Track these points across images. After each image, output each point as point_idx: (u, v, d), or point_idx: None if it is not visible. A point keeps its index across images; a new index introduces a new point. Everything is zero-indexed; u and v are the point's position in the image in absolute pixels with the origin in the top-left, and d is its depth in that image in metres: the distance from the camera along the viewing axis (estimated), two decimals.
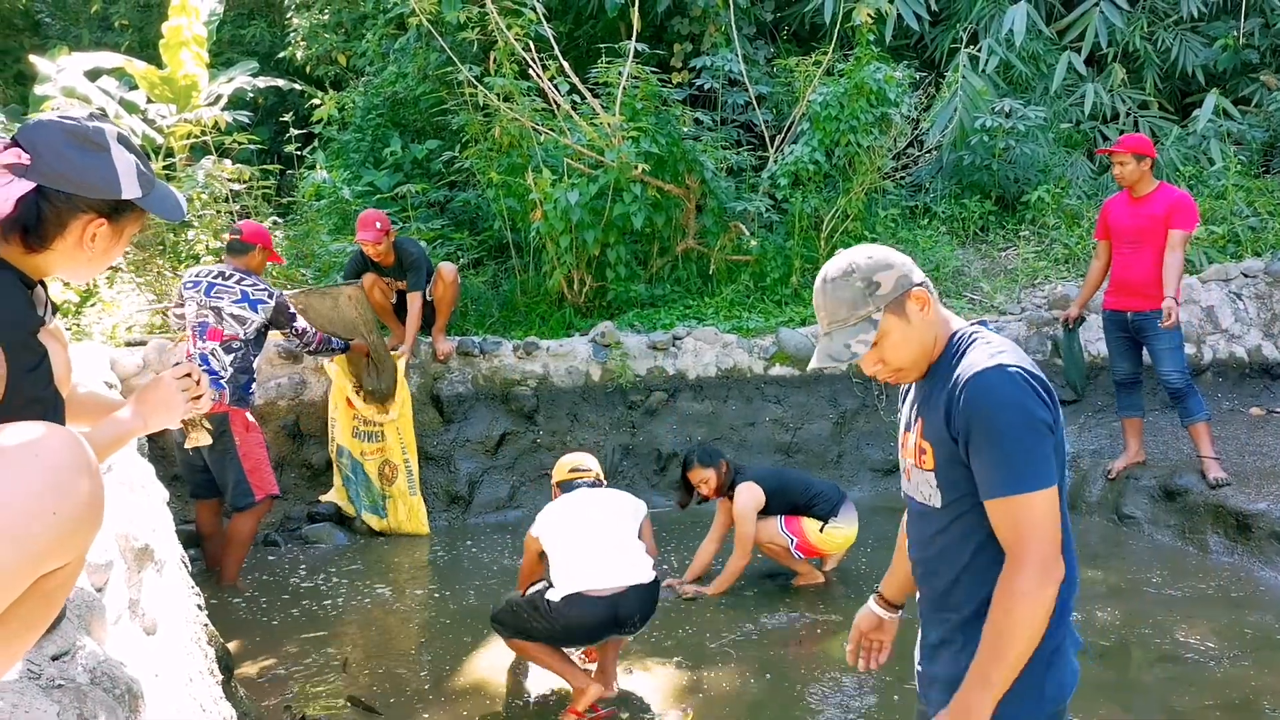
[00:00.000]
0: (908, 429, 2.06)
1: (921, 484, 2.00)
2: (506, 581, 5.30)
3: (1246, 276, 7.64)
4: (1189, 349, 7.44)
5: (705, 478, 5.11)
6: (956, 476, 1.90)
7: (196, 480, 5.40)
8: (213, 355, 5.20)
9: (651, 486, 7.00)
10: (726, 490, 5.13)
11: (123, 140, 1.81)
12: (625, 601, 3.80)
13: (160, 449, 5.42)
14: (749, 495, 5.01)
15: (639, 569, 3.87)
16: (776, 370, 7.24)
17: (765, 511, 5.11)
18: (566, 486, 4.26)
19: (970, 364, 1.86)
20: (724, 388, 7.17)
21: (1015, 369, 1.82)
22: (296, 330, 5.56)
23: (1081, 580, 5.04)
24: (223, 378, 5.18)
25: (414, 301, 6.46)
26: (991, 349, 1.88)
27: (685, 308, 7.69)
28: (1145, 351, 6.04)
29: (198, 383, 2.14)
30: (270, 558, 5.92)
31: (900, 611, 2.36)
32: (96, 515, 1.17)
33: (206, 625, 3.42)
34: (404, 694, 4.08)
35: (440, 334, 6.75)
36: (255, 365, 5.46)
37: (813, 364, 2.05)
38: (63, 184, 1.71)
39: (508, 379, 6.88)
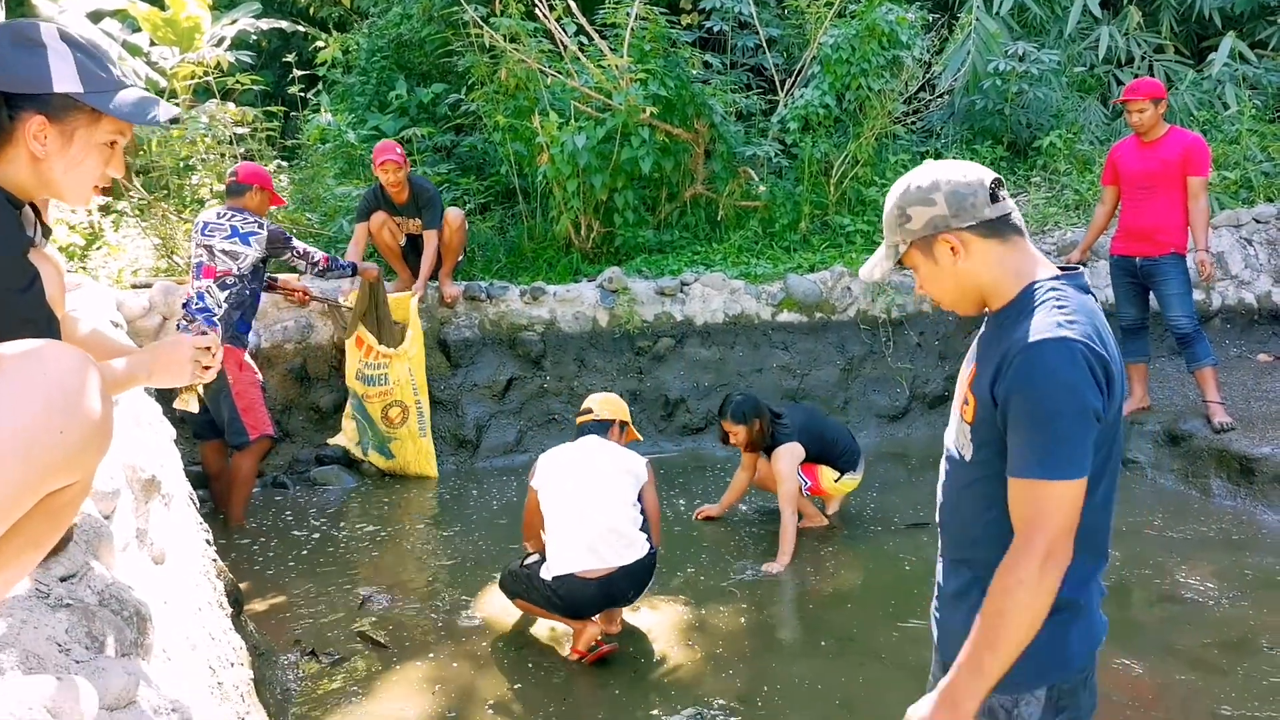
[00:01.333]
0: (967, 367, 1.96)
1: (958, 433, 1.92)
2: (513, 525, 5.34)
3: (1258, 222, 7.58)
4: (1197, 295, 7.41)
5: (734, 430, 5.11)
6: (991, 436, 1.80)
7: (198, 421, 5.45)
8: (208, 293, 5.28)
9: (659, 432, 7.03)
10: (764, 448, 5.13)
11: (70, 39, 1.77)
12: (616, 581, 3.84)
13: (166, 390, 5.44)
14: (790, 457, 4.98)
15: (631, 548, 3.87)
16: (784, 316, 7.23)
17: None
18: (579, 430, 4.29)
19: (1034, 328, 1.72)
20: (731, 334, 7.17)
21: (1080, 344, 1.67)
22: (298, 252, 5.61)
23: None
24: (216, 315, 5.24)
25: (430, 241, 6.45)
26: (1064, 314, 1.72)
27: (693, 254, 7.66)
28: (1152, 297, 6.02)
29: (214, 356, 2.14)
30: (278, 500, 5.98)
31: None
32: (104, 436, 1.18)
33: (215, 561, 3.46)
34: (413, 631, 4.14)
35: (447, 278, 6.75)
36: (255, 303, 5.48)
37: (861, 273, 1.99)
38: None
39: (515, 324, 6.88)
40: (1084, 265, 6.54)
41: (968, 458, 1.88)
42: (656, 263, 7.50)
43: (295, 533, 5.36)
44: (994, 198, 1.82)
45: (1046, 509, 1.67)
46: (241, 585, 4.16)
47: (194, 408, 2.22)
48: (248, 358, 5.43)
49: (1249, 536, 4.98)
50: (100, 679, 1.43)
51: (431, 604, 4.44)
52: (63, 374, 1.10)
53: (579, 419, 4.35)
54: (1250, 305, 7.44)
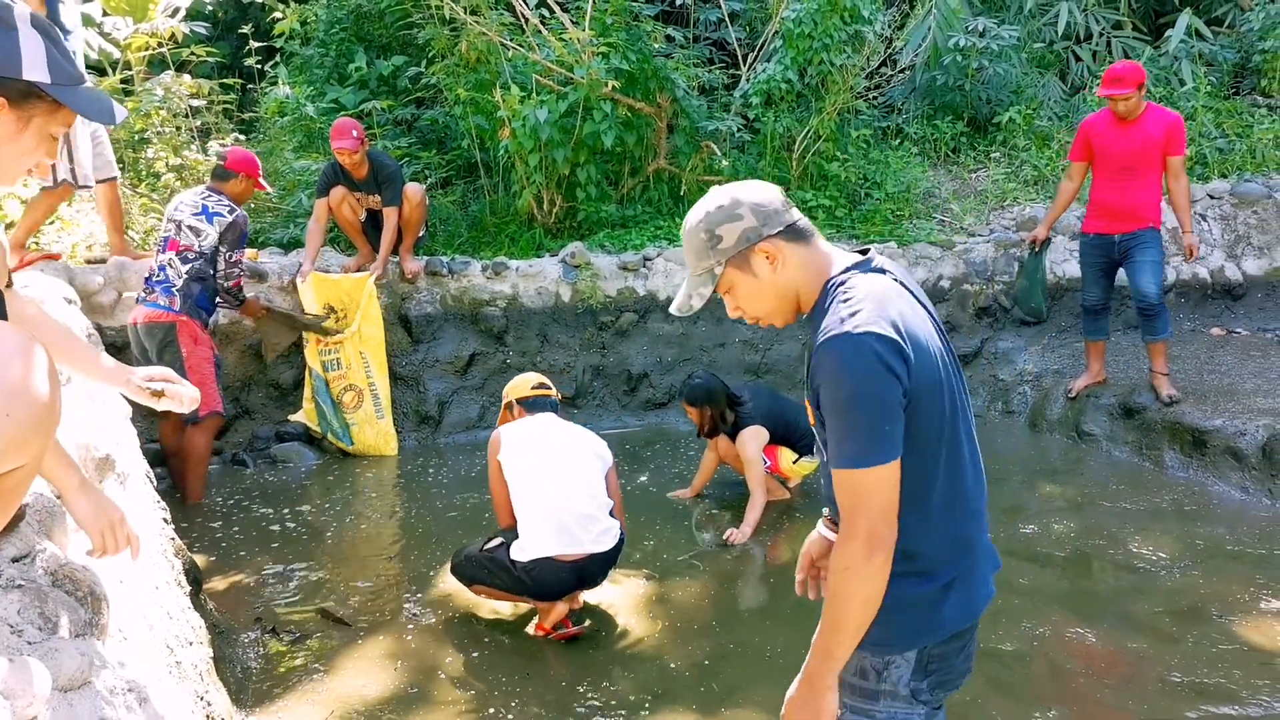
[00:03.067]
0: None
1: (817, 433, 1.96)
2: (476, 501, 5.34)
3: (1212, 198, 7.68)
4: None
5: (691, 412, 5.17)
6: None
7: None
8: (170, 265, 5.29)
9: (622, 407, 7.04)
10: (727, 431, 5.16)
11: (40, 25, 1.73)
12: (590, 565, 3.83)
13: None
14: (755, 441, 5.04)
15: (606, 534, 3.86)
16: None
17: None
18: (530, 405, 4.15)
19: (824, 327, 1.78)
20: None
21: (864, 333, 1.71)
22: (229, 259, 5.44)
23: (1040, 495, 5.17)
24: (174, 286, 5.22)
25: (389, 217, 6.38)
26: (847, 307, 1.76)
27: (656, 228, 7.64)
28: (1121, 273, 6.00)
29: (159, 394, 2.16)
30: (239, 477, 5.92)
31: None
32: (52, 417, 1.16)
33: (174, 539, 3.42)
34: (375, 608, 4.13)
35: (408, 254, 6.69)
36: (216, 282, 5.42)
37: (672, 309, 2.02)
38: None
39: (476, 299, 6.84)
40: (1049, 242, 6.58)
41: (825, 456, 1.92)
42: (619, 238, 7.48)
43: (255, 510, 5.32)
44: (787, 205, 1.92)
45: (861, 496, 1.74)
46: (200, 563, 4.13)
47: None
48: (205, 333, 5.37)
49: (1201, 507, 5.08)
50: (53, 660, 1.41)
51: (393, 581, 4.43)
52: (8, 356, 1.08)
53: (535, 393, 4.22)
54: (1204, 280, 7.55)
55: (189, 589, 3.24)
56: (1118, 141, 5.74)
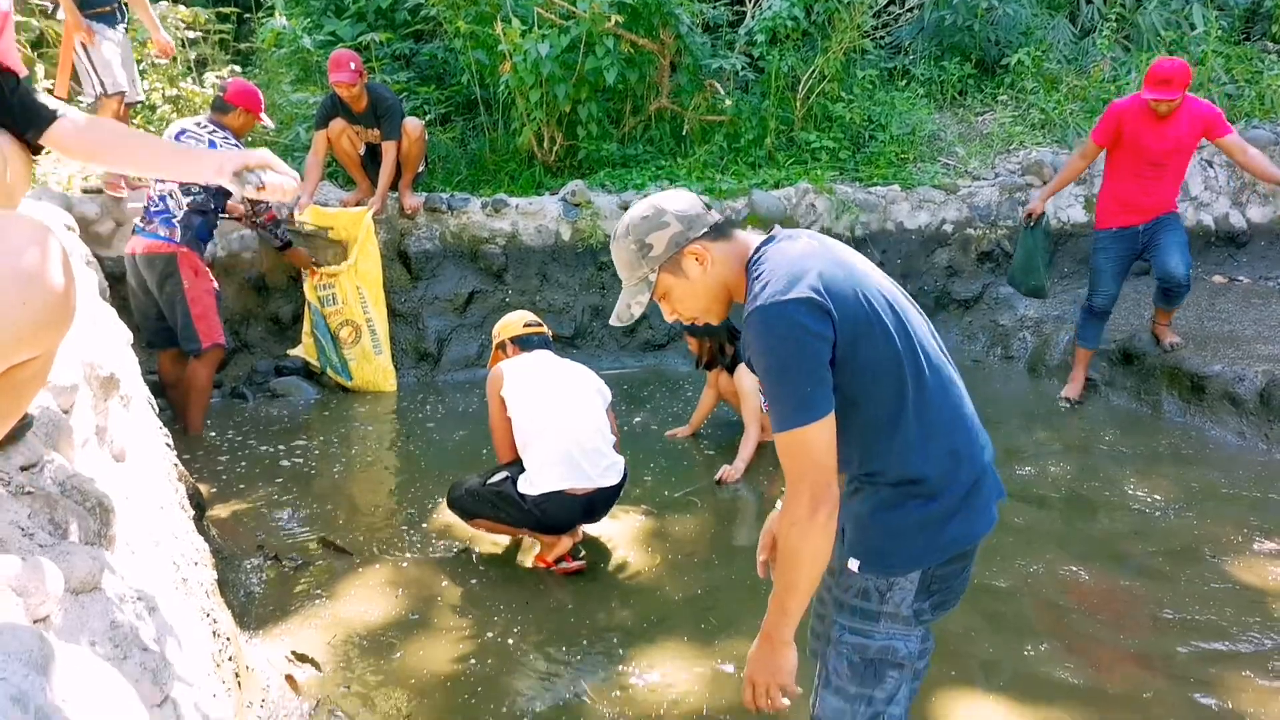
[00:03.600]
0: None
1: None
2: (474, 437, 5.36)
3: None
4: None
5: (692, 344, 5.21)
6: None
7: (153, 329, 5.39)
8: (170, 196, 5.24)
9: (621, 348, 7.04)
10: (726, 365, 5.18)
11: None
12: (597, 499, 3.84)
13: (121, 298, 5.36)
14: (752, 375, 5.02)
15: (612, 469, 3.88)
16: None
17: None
18: (523, 343, 4.13)
19: (746, 308, 1.87)
20: None
21: (775, 303, 1.78)
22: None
23: (1037, 438, 5.19)
24: (175, 218, 5.18)
25: (388, 152, 6.31)
26: (760, 282, 1.85)
27: (657, 168, 7.58)
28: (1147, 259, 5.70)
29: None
30: (238, 410, 5.93)
31: None
32: (67, 309, 1.15)
33: (176, 465, 3.44)
34: (375, 539, 4.16)
35: (407, 189, 6.64)
36: (216, 217, 5.41)
37: (612, 319, 2.07)
38: None
39: (476, 237, 6.80)
40: (1044, 216, 6.05)
41: None
42: (620, 177, 7.42)
43: (256, 442, 5.33)
44: (707, 207, 2.03)
45: (797, 456, 1.80)
46: (202, 491, 4.15)
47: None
48: (204, 265, 5.34)
49: (1197, 451, 5.11)
50: (65, 562, 1.42)
51: (392, 513, 4.46)
52: (24, 245, 1.07)
53: (527, 331, 4.19)
54: (1208, 227, 7.53)
55: (192, 513, 3.26)
56: (1153, 137, 5.38)
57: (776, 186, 7.34)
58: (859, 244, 7.31)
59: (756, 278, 1.87)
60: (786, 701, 1.95)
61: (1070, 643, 3.33)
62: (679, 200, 2.00)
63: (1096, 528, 4.31)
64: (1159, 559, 3.96)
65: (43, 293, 1.07)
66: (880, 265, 7.20)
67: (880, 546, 1.91)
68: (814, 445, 1.78)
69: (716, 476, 4.82)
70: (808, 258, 1.86)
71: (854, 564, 1.94)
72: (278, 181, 2.01)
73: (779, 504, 2.23)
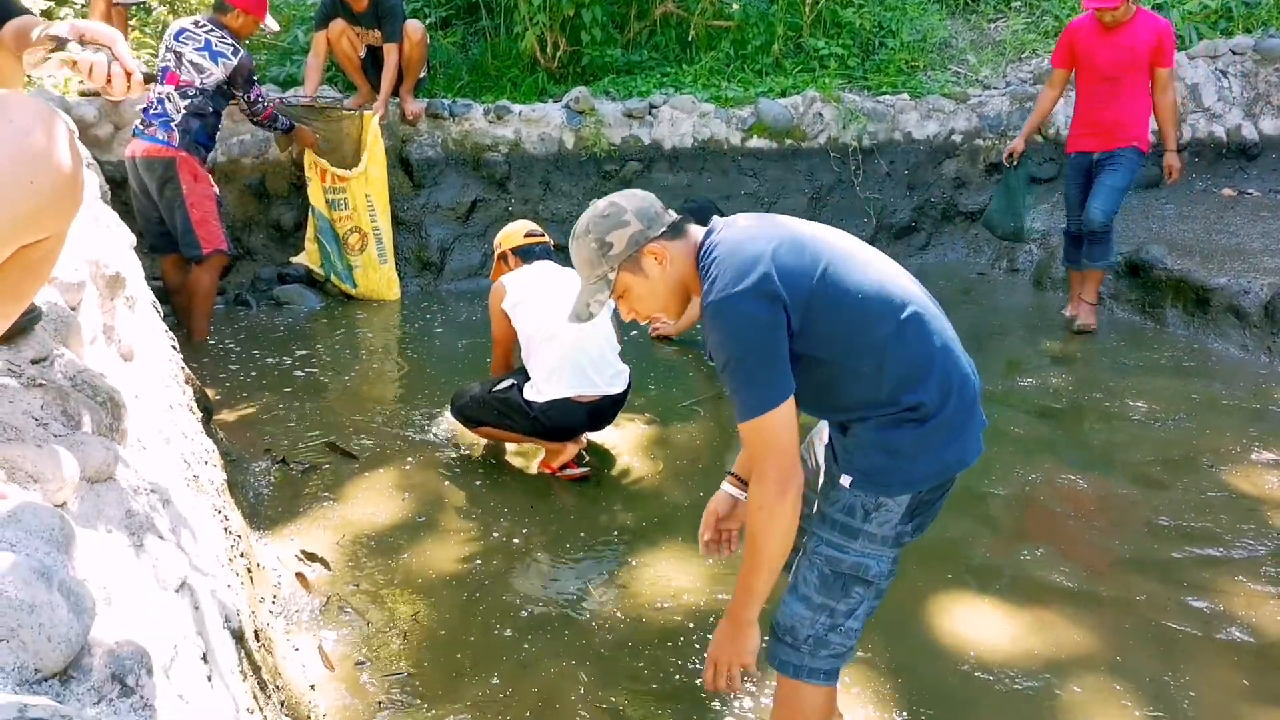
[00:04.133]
0: None
1: None
2: (477, 346, 5.37)
3: (1235, 54, 7.48)
4: None
5: None
6: None
7: (154, 233, 5.36)
8: (168, 99, 5.16)
9: None
10: None
11: None
12: (603, 406, 3.86)
13: (122, 202, 5.32)
14: None
15: (619, 377, 3.89)
16: (754, 143, 7.12)
17: None
18: (525, 253, 4.09)
19: (702, 304, 1.90)
20: (700, 159, 7.07)
21: (724, 298, 1.82)
22: (249, 97, 5.42)
23: (1040, 350, 5.20)
24: (173, 121, 5.11)
25: (390, 55, 6.20)
26: (708, 279, 1.88)
27: (663, 75, 7.45)
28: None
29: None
30: (242, 317, 5.94)
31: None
32: (75, 189, 1.14)
33: (184, 368, 3.45)
34: (381, 444, 4.20)
35: (408, 94, 6.53)
36: (216, 120, 5.34)
37: (568, 317, 2.08)
38: None
39: (479, 144, 6.72)
40: (1026, 155, 5.85)
41: None
42: (624, 84, 7.30)
43: (260, 349, 5.35)
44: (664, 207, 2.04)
45: (760, 442, 1.84)
46: (209, 395, 4.18)
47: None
48: (204, 170, 5.30)
49: (1199, 364, 5.13)
50: (80, 451, 1.43)
51: (398, 419, 4.49)
52: (28, 125, 1.06)
53: (529, 241, 4.14)
54: (1219, 139, 7.43)
55: (200, 415, 3.29)
56: (1101, 49, 5.27)
57: (783, 95, 7.23)
58: (866, 155, 7.23)
59: (707, 273, 1.90)
60: (747, 683, 2.04)
61: (1065, 548, 3.39)
62: (637, 199, 2.03)
63: (1096, 437, 4.35)
64: (1156, 468, 4.00)
65: (51, 173, 1.07)
66: (887, 177, 7.20)
67: (877, 465, 1.91)
68: (776, 431, 1.82)
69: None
70: (753, 240, 1.89)
71: (846, 480, 1.94)
72: (90, 59, 1.82)
73: (724, 484, 2.32)
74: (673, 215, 2.04)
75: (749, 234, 1.92)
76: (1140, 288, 5.92)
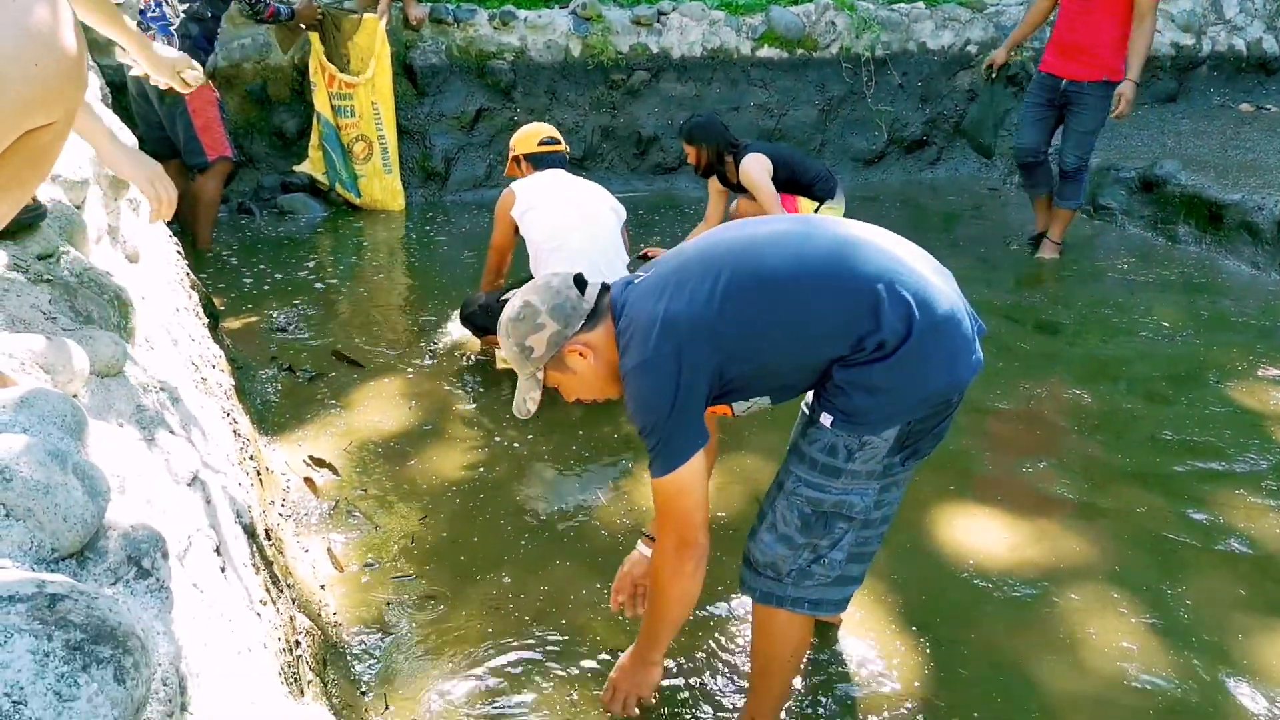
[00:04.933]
0: None
1: None
2: (482, 257, 5.33)
3: None
4: (1187, 39, 7.25)
5: (687, 151, 5.02)
6: None
7: (155, 139, 5.28)
8: (166, 3, 5.04)
9: (630, 170, 6.94)
10: (722, 168, 5.02)
11: None
12: None
13: (123, 108, 5.24)
14: (758, 164, 4.86)
15: None
16: (764, 52, 6.98)
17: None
18: (539, 160, 4.04)
19: (621, 375, 1.89)
20: (709, 69, 6.94)
21: (634, 366, 1.81)
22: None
23: (1050, 266, 5.15)
24: (172, 25, 5.00)
25: None
26: (623, 352, 1.86)
27: None
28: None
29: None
30: (245, 226, 5.91)
31: None
32: (80, 72, 1.12)
33: (189, 273, 3.44)
34: (386, 352, 4.20)
35: None
36: (215, 23, 5.23)
37: (514, 409, 2.02)
38: None
39: (483, 51, 6.60)
40: (1007, 67, 5.56)
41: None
42: None
43: (265, 258, 5.33)
44: (581, 290, 1.95)
45: (668, 502, 1.86)
46: (215, 303, 4.17)
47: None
48: (204, 74, 5.21)
49: (1209, 280, 5.10)
50: (90, 345, 1.43)
51: (403, 328, 4.50)
52: (32, 3, 1.03)
53: (543, 149, 4.10)
54: (1239, 52, 7.27)
55: (206, 321, 3.29)
56: None
57: (795, 3, 7.06)
58: (879, 65, 7.09)
59: (622, 345, 1.87)
60: (637, 710, 2.11)
61: (1068, 461, 3.41)
62: (551, 293, 1.93)
63: (1102, 353, 4.34)
64: (1162, 383, 4.01)
65: (54, 54, 1.04)
66: (900, 89, 7.07)
67: (859, 405, 1.80)
68: (676, 495, 1.83)
69: None
70: (645, 298, 1.85)
71: (826, 419, 1.84)
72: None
73: (639, 544, 2.33)
74: (591, 294, 1.95)
75: (645, 293, 1.88)
76: (1153, 204, 5.86)
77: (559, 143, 4.14)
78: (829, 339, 1.79)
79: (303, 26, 5.97)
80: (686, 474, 1.81)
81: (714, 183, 5.20)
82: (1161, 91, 7.26)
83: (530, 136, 4.11)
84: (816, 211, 5.04)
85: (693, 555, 1.88)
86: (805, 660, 2.43)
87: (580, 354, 1.92)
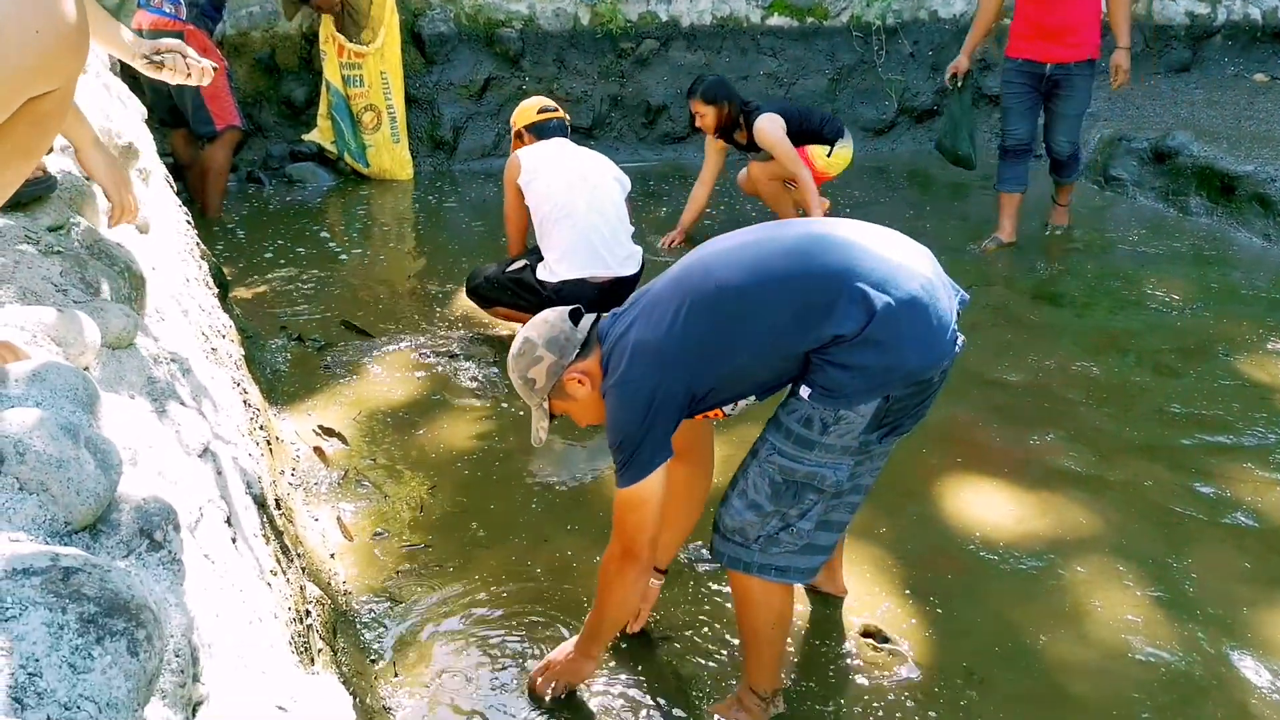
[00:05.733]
0: None
1: None
2: (490, 226, 5.33)
3: None
4: (1202, 8, 7.17)
5: (703, 112, 4.96)
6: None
7: (164, 108, 5.28)
8: None
9: (639, 140, 6.90)
10: (733, 129, 5.01)
11: None
12: (615, 288, 3.81)
13: (130, 76, 5.23)
14: (773, 123, 4.85)
15: (631, 259, 3.86)
16: (774, 21, 6.93)
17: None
18: (539, 130, 4.03)
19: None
20: (718, 38, 6.89)
21: (613, 384, 1.93)
22: None
23: (1058, 236, 5.12)
24: None
25: None
26: (609, 370, 1.97)
27: None
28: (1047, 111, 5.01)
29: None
30: (254, 194, 5.91)
31: (664, 576, 2.42)
32: (82, 38, 1.11)
33: (199, 243, 3.45)
34: (395, 322, 4.21)
35: None
36: None
37: (532, 441, 2.14)
38: None
39: (492, 19, 6.56)
40: (972, 74, 5.30)
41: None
42: None
43: (274, 227, 5.34)
44: (575, 321, 2.06)
45: (626, 514, 1.97)
46: (225, 272, 4.18)
47: None
48: (213, 43, 5.19)
49: (1220, 253, 5.08)
50: (100, 318, 1.44)
51: (412, 298, 4.51)
52: None
53: (542, 117, 4.07)
54: (1255, 22, 7.18)
55: (216, 291, 3.30)
56: None
57: None
58: (890, 34, 7.03)
59: (605, 369, 1.99)
60: (561, 696, 2.20)
61: (1075, 433, 3.41)
62: (546, 328, 2.05)
63: (1111, 325, 4.33)
64: (1171, 355, 4.00)
65: (54, 20, 1.04)
66: (911, 58, 7.00)
67: (836, 380, 1.83)
68: (642, 504, 1.93)
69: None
70: (629, 326, 1.96)
71: (804, 391, 1.87)
72: (179, 63, 2.07)
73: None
74: (583, 330, 2.05)
75: (623, 322, 2.00)
76: (1164, 175, 5.82)
77: (557, 110, 4.13)
78: (788, 336, 1.87)
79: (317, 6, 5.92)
80: (647, 488, 1.92)
81: (711, 141, 5.17)
82: (1175, 61, 7.18)
83: (529, 108, 4.12)
84: (830, 156, 5.04)
85: (634, 566, 2.00)
86: (810, 629, 2.46)
87: (579, 381, 2.03)
